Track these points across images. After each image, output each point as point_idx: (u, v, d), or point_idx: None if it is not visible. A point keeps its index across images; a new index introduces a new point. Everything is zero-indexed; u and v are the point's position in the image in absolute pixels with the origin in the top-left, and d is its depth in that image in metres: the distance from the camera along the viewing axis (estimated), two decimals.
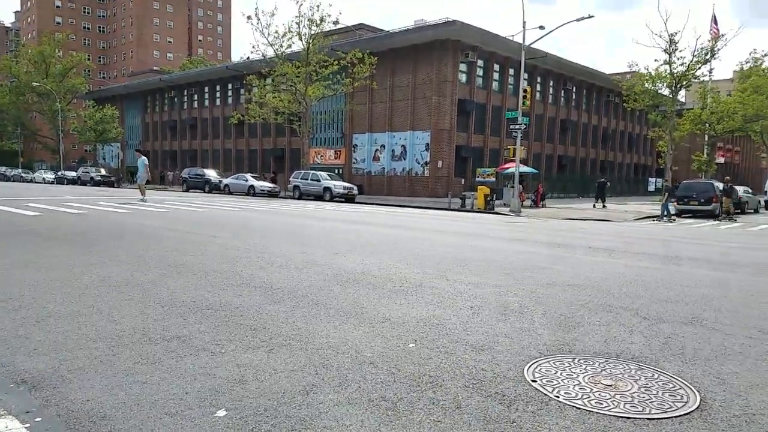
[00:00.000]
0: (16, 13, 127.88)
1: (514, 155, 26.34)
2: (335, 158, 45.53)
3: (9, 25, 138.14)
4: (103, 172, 50.74)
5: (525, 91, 25.66)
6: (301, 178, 33.52)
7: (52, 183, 51.39)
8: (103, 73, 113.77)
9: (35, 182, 53.62)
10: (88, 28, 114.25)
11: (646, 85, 38.23)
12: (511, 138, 31.64)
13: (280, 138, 49.29)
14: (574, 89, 50.55)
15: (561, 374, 3.55)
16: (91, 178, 47.81)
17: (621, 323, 4.88)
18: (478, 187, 26.80)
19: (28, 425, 2.64)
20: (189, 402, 2.95)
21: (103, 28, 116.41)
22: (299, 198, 32.77)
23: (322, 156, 46.29)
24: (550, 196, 38.13)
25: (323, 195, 31.51)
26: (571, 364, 3.76)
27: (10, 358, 3.56)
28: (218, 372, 3.40)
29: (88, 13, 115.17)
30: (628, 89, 38.96)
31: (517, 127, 25.13)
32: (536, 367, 3.66)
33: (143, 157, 23.70)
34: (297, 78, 34.38)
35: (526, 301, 5.58)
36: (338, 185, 31.75)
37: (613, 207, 29.43)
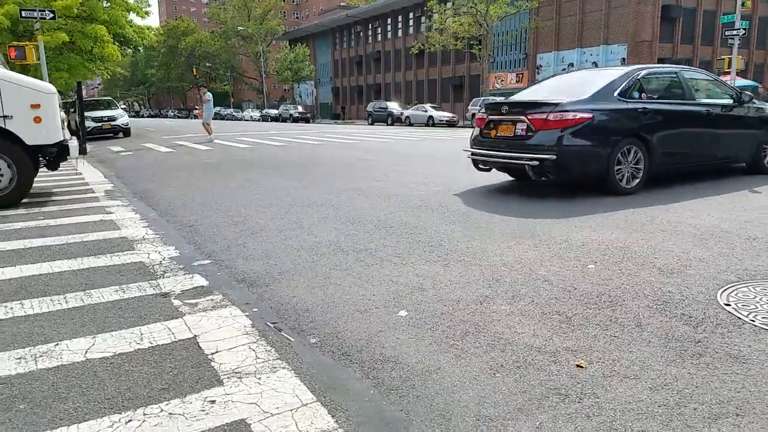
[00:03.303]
0: None
1: (729, 66, 22.68)
2: (517, 82, 43.62)
3: None
4: (300, 109, 55.30)
5: None
6: (480, 105, 32.95)
7: (257, 120, 57.59)
8: (296, 14, 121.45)
9: (244, 120, 60.54)
10: None
11: None
12: (727, 46, 27.11)
13: (459, 65, 48.54)
14: None
15: (761, 299, 3.20)
16: (290, 115, 52.52)
17: None
18: None
19: (247, 314, 3.20)
20: (376, 302, 3.30)
21: None
22: None
23: (502, 81, 44.68)
24: None
25: None
26: None
27: (233, 261, 4.29)
28: (400, 279, 3.71)
29: None
30: None
31: (734, 32, 21.48)
32: (732, 291, 3.34)
33: (208, 93, 21.12)
34: None
35: (729, 226, 5.00)
36: None
37: None
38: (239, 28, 70.84)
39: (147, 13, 27.76)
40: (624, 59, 35.50)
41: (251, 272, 3.98)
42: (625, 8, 35.03)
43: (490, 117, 7.24)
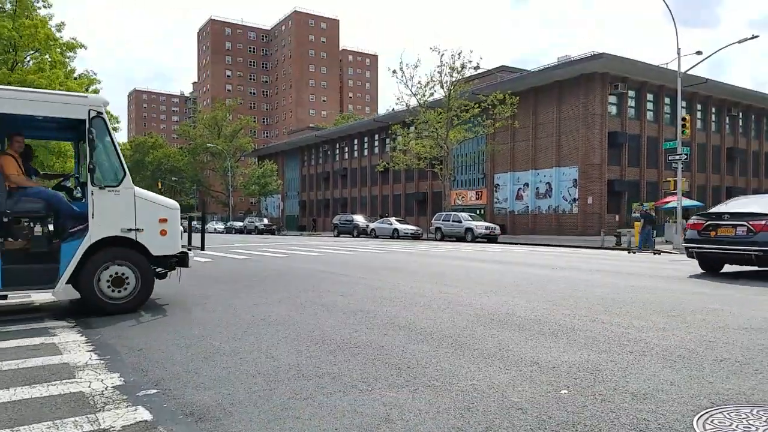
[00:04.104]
0: (193, 83, 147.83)
1: (674, 188, 24.13)
2: (476, 199, 45.33)
3: (188, 95, 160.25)
4: (265, 221, 55.60)
5: (684, 119, 23.69)
6: (442, 220, 33.78)
7: (222, 232, 57.36)
8: (266, 132, 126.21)
9: (208, 232, 60.17)
10: (254, 93, 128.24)
11: None
12: (670, 170, 29.12)
13: (422, 182, 50.43)
14: (740, 115, 45.55)
15: (737, 427, 3.07)
16: (255, 227, 52.63)
17: None
18: (635, 223, 24.85)
19: None
20: None
21: (267, 92, 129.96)
22: (441, 239, 32.94)
23: (463, 197, 46.35)
24: None
25: (465, 236, 31.38)
26: (749, 415, 3.25)
27: (182, 390, 3.95)
28: (365, 410, 3.45)
29: (254, 79, 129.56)
30: None
31: (677, 157, 23.13)
32: (707, 418, 3.21)
33: None
34: (438, 124, 35.21)
35: (694, 346, 4.98)
36: (480, 225, 31.46)
37: None
38: (209, 144, 72.80)
39: (115, 128, 28.36)
40: (576, 180, 37.53)
41: (201, 404, 3.65)
42: (574, 134, 37.65)
43: (708, 222, 10.67)
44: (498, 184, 43.41)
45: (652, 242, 21.09)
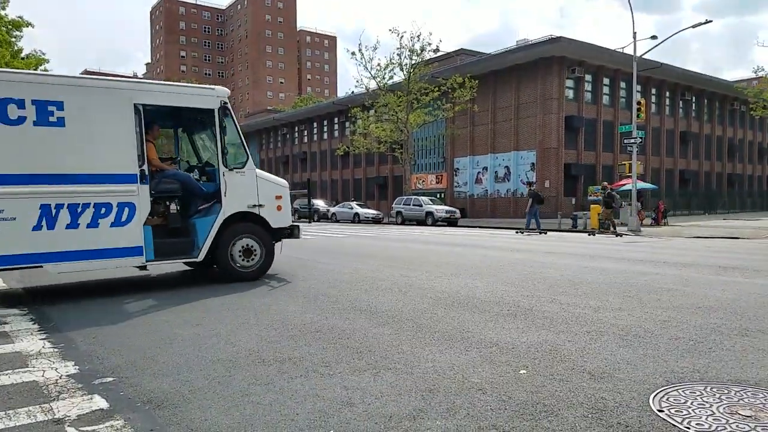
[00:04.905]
0: (147, 65, 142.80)
1: (629, 171, 24.80)
2: (437, 183, 45.59)
3: (141, 77, 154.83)
4: None
5: (639, 103, 24.25)
6: (403, 204, 33.84)
7: None
8: None
9: None
10: (209, 74, 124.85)
11: None
12: (625, 153, 29.91)
13: (383, 166, 50.34)
14: (693, 99, 47.05)
15: (692, 404, 3.19)
16: None
17: (759, 348, 4.33)
18: (591, 206, 25.49)
19: None
20: (299, 423, 2.99)
21: (222, 73, 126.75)
22: (402, 223, 33.06)
23: (423, 181, 46.55)
24: (673, 214, 35.40)
25: (425, 219, 31.56)
26: (704, 392, 3.37)
27: (139, 378, 3.84)
28: (326, 394, 3.42)
29: (209, 60, 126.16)
30: (756, 96, 35.56)
31: (632, 141, 23.71)
32: (663, 396, 3.32)
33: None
34: (398, 107, 35.09)
35: (649, 325, 5.14)
36: (440, 209, 31.68)
37: (738, 224, 26.67)
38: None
39: None
40: (533, 164, 38.16)
41: (159, 391, 3.55)
42: (532, 119, 38.17)
43: None
44: (458, 168, 43.73)
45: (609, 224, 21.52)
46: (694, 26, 25.21)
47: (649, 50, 26.02)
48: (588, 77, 39.24)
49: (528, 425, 2.92)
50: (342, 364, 4.05)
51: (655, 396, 3.32)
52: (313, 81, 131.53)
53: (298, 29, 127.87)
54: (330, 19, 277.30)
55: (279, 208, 8.62)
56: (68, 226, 6.78)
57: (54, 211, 6.69)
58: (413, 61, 35.01)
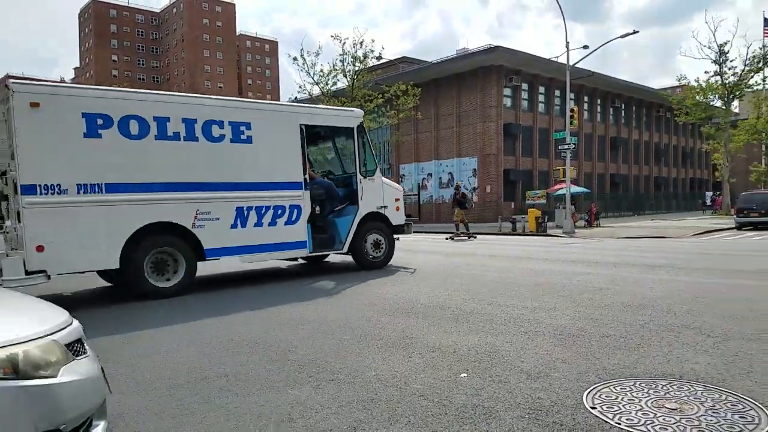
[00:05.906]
0: (75, 69, 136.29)
1: (564, 176, 25.77)
2: None
3: (69, 82, 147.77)
4: None
5: (572, 110, 25.24)
6: None
7: None
8: None
9: None
10: (143, 79, 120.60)
11: (697, 98, 36.98)
12: (560, 159, 31.08)
13: None
14: (622, 106, 49.43)
15: (622, 399, 3.35)
16: None
17: (684, 342, 4.60)
18: (529, 209, 26.29)
19: None
20: None
21: (158, 78, 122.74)
22: None
23: None
24: (604, 216, 37.01)
25: None
26: (633, 387, 3.55)
27: None
28: (265, 410, 3.38)
29: (143, 65, 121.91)
30: (679, 103, 37.81)
31: (566, 147, 24.63)
32: (596, 393, 3.47)
33: None
34: None
35: (583, 324, 5.35)
36: None
37: (665, 224, 28.22)
38: None
39: None
40: (475, 170, 39.04)
41: None
42: (472, 126, 39.08)
43: None
44: (403, 174, 44.15)
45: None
46: (622, 36, 26.50)
47: (581, 59, 27.18)
48: (525, 86, 40.55)
49: (467, 428, 2.98)
50: (283, 378, 4.00)
51: (588, 393, 3.46)
52: (254, 86, 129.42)
53: (237, 34, 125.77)
54: (270, 24, 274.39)
55: (397, 208, 10.55)
56: (255, 225, 8.55)
57: (246, 213, 8.45)
58: (356, 68, 35.11)
